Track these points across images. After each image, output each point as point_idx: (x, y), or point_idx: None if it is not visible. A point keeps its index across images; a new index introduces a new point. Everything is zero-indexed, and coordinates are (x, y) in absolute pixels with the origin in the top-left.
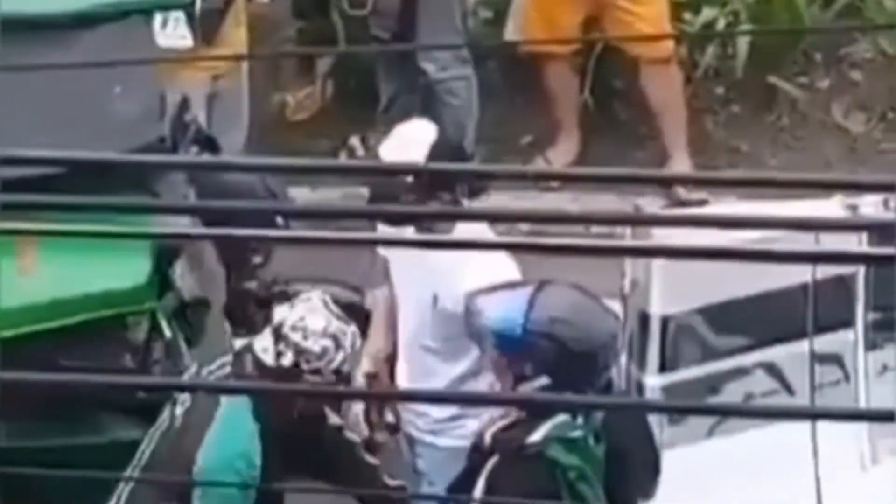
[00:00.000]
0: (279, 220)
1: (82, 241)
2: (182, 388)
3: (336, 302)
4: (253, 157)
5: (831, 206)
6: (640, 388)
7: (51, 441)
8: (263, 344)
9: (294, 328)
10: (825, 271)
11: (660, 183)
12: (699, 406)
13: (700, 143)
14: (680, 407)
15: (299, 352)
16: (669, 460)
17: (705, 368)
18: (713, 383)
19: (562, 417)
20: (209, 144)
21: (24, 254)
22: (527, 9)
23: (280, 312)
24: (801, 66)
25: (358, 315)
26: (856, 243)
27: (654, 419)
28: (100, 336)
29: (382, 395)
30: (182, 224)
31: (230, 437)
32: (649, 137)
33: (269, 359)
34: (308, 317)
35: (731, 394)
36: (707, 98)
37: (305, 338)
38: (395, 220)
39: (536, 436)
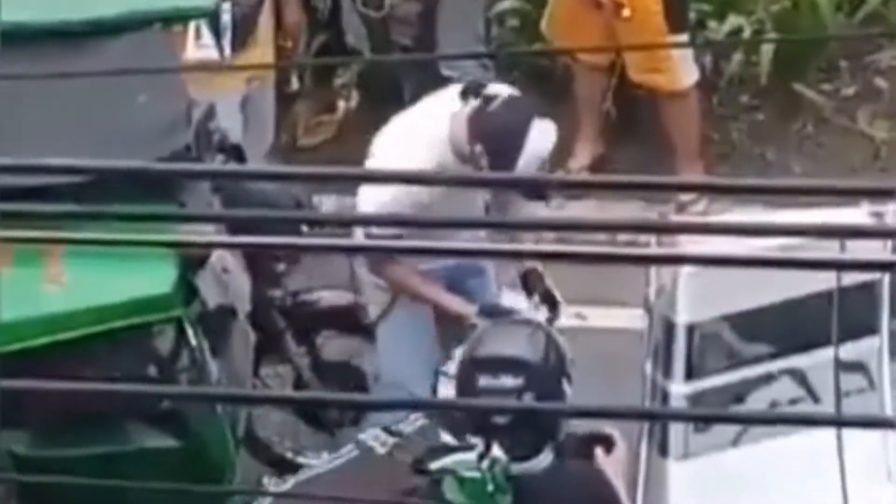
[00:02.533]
0: (304, 228)
1: (108, 250)
2: (207, 398)
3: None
4: (278, 164)
5: (856, 214)
6: (666, 396)
7: (75, 450)
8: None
9: None
10: (850, 279)
11: (681, 191)
12: (724, 414)
13: (725, 151)
14: (704, 415)
15: None
16: (695, 468)
17: (731, 376)
18: (739, 391)
19: (466, 456)
20: (235, 153)
21: (51, 263)
22: (556, 16)
23: None
24: (825, 74)
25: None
26: (881, 251)
27: (679, 427)
28: (126, 344)
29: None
30: (207, 232)
31: None
32: (670, 147)
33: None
34: None
35: (756, 401)
36: (732, 106)
37: None
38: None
39: (439, 463)
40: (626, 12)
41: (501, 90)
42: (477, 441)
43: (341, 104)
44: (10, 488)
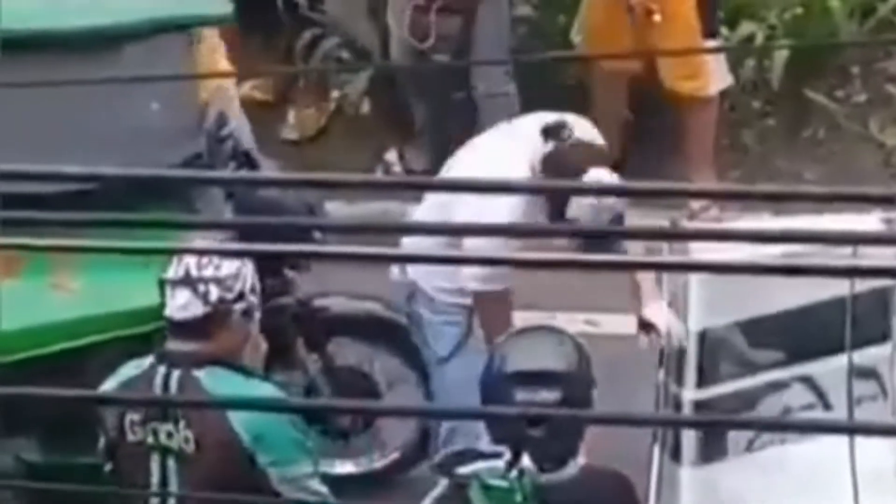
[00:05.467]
0: (316, 234)
1: (116, 258)
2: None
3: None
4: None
5: (869, 221)
6: (678, 403)
7: (83, 458)
8: None
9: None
10: (862, 285)
11: (693, 197)
12: (736, 420)
13: (736, 157)
14: (718, 421)
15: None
16: (708, 475)
17: (743, 383)
18: (751, 397)
19: (494, 464)
20: (246, 160)
21: (58, 271)
22: (588, 25)
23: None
24: (837, 81)
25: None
26: (893, 257)
27: (691, 434)
28: (133, 353)
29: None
30: (218, 239)
31: None
32: (685, 153)
33: None
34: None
35: (769, 408)
36: (744, 111)
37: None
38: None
39: (466, 468)
40: (657, 17)
41: (581, 132)
42: (503, 449)
43: (331, 105)
44: (20, 494)
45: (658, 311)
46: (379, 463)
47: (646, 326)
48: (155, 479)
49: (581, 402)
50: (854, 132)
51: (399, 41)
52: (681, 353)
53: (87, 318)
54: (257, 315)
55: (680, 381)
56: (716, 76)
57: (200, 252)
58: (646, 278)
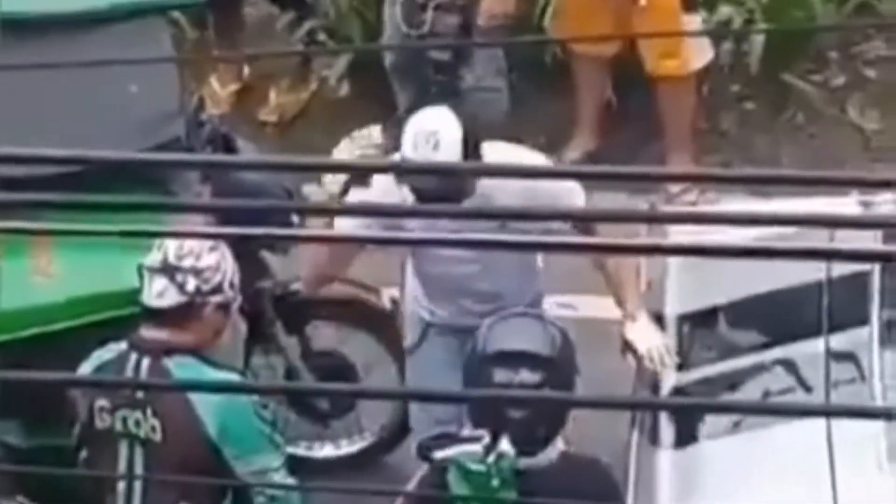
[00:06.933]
0: (294, 218)
1: (98, 240)
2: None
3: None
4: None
5: (846, 204)
6: (656, 386)
7: (64, 440)
8: None
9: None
10: (840, 269)
11: (671, 181)
12: (715, 403)
13: (714, 141)
14: (696, 404)
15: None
16: (687, 459)
17: (722, 366)
18: (731, 381)
19: (473, 448)
20: (225, 143)
21: (39, 254)
22: (564, 10)
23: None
24: (815, 64)
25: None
26: (871, 240)
27: (670, 417)
28: (115, 335)
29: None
30: (196, 223)
31: None
32: (663, 134)
33: None
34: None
35: (748, 392)
36: (722, 95)
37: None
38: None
39: (444, 453)
40: (641, 0)
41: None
42: (483, 433)
43: (312, 86)
44: (9, 478)
45: (641, 333)
46: (358, 445)
47: (629, 347)
48: (122, 466)
49: (563, 387)
50: (832, 116)
51: (392, 25)
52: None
53: (67, 301)
54: (235, 307)
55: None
56: (696, 53)
57: (179, 235)
58: (630, 286)
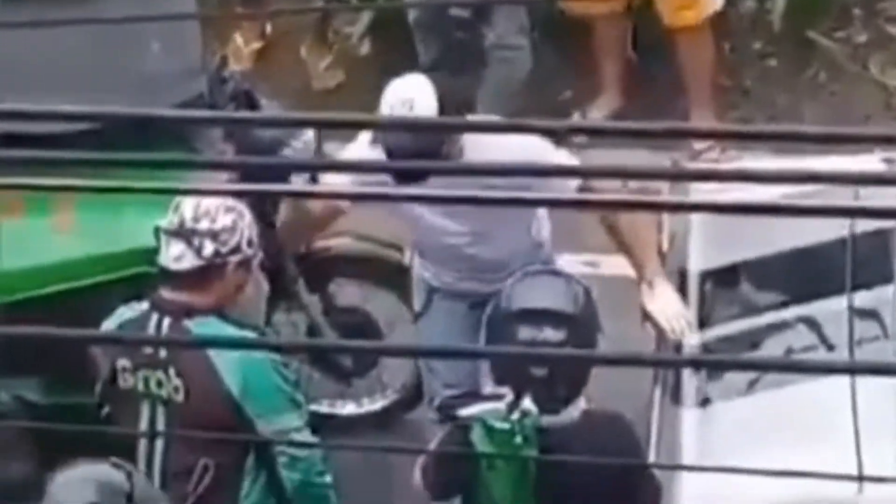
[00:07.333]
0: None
1: (118, 198)
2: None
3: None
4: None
5: (869, 161)
6: (678, 344)
7: (84, 398)
8: None
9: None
10: (864, 226)
11: (694, 137)
12: (737, 360)
13: (736, 98)
14: (719, 360)
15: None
16: (709, 417)
17: (745, 324)
18: (753, 339)
19: (496, 405)
20: (247, 100)
21: (59, 211)
22: None
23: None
24: (838, 22)
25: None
26: (894, 198)
27: (692, 375)
28: (137, 293)
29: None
30: (219, 180)
31: None
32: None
33: None
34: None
35: (770, 349)
36: (744, 53)
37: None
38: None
39: (468, 411)
40: None
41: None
42: (506, 391)
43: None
44: (24, 434)
45: (659, 303)
46: (380, 403)
47: (649, 317)
48: (144, 426)
49: (586, 344)
50: (855, 73)
51: None
52: (682, 294)
53: (88, 259)
54: (255, 263)
55: None
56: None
57: (202, 193)
58: (647, 247)
